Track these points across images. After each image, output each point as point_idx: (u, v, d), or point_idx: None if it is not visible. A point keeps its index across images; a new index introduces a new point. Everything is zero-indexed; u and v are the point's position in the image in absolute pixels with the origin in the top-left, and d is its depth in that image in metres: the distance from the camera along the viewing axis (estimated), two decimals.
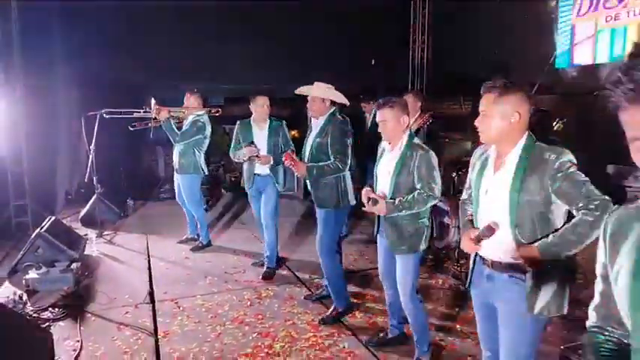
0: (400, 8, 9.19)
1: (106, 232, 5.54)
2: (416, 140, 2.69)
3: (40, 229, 4.42)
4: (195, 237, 5.25)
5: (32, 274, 3.96)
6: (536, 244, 1.75)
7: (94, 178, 5.52)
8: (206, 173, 5.09)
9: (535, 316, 1.81)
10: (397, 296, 2.90)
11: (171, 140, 4.83)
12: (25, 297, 3.77)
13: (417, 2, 9.05)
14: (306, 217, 6.49)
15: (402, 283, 2.73)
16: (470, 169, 2.07)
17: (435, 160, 2.63)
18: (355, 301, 3.69)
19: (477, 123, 1.90)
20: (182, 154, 4.84)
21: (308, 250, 4.94)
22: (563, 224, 1.78)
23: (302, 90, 3.47)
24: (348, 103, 3.48)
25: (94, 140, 5.40)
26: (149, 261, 4.76)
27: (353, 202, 3.42)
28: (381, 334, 3.14)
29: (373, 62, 8.59)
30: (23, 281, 3.94)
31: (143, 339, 3.21)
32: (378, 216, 2.80)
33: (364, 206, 2.74)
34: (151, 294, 3.92)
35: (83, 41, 7.25)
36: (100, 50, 7.29)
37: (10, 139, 6.22)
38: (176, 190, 5.13)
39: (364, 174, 6.24)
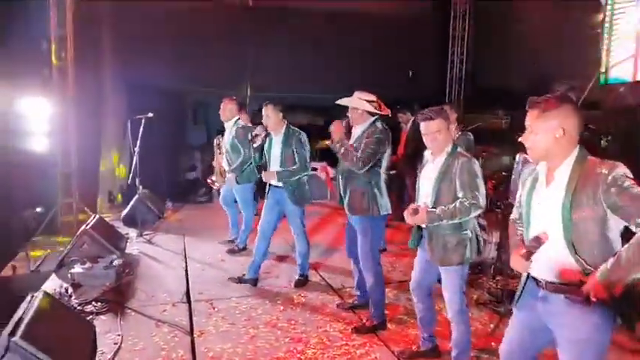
0: (439, 19, 9.16)
1: (145, 232, 5.74)
2: (459, 149, 2.69)
3: (86, 226, 4.62)
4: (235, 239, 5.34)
5: (77, 269, 4.15)
6: (595, 274, 1.66)
7: (137, 180, 5.74)
8: (258, 176, 5.23)
9: (597, 341, 1.75)
10: (427, 310, 2.90)
11: (248, 155, 4.89)
12: (70, 290, 3.96)
13: (456, 13, 9.00)
14: (338, 224, 6.52)
15: (448, 297, 2.71)
16: (520, 187, 2.04)
17: (478, 168, 2.62)
18: (388, 312, 3.67)
19: (522, 139, 1.89)
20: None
21: (340, 258, 4.98)
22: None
23: (342, 101, 3.52)
24: (388, 114, 3.51)
25: (138, 143, 5.62)
26: (186, 262, 4.90)
27: (388, 210, 3.42)
28: (413, 347, 3.13)
29: (410, 74, 8.59)
30: (69, 275, 4.15)
31: (180, 337, 3.31)
32: (419, 227, 2.80)
33: (400, 219, 2.74)
34: (188, 294, 4.03)
35: (130, 47, 7.60)
36: (144, 56, 7.61)
37: (61, 140, 6.55)
38: (222, 194, 5.23)
39: (403, 185, 6.25)
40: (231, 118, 5.07)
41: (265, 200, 4.33)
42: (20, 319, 2.55)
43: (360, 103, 3.38)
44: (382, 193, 3.36)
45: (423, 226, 2.74)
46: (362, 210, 3.33)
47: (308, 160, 4.20)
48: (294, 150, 4.09)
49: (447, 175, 2.64)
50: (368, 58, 8.45)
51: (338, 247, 5.35)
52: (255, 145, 4.27)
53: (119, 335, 3.27)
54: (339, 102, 3.48)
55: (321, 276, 4.55)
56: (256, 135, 4.19)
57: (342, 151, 3.31)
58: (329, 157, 9.47)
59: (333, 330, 3.44)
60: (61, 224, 6.59)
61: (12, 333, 2.40)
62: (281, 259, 5.05)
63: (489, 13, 8.60)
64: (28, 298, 3.01)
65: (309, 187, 4.28)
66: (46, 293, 2.90)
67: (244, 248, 5.20)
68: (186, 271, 4.65)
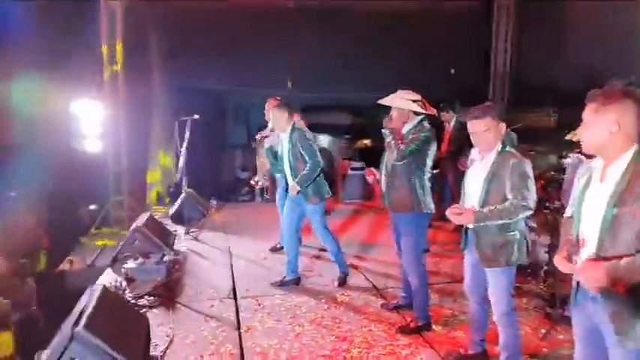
0: (482, 14, 8.92)
1: (191, 230, 5.93)
2: (508, 148, 2.63)
3: (138, 223, 4.82)
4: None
5: (130, 264, 4.35)
6: (605, 263, 1.66)
7: (184, 179, 5.93)
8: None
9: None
10: (482, 312, 2.84)
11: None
12: (124, 284, 4.15)
13: (500, 7, 8.74)
14: (381, 224, 6.50)
15: (495, 299, 2.66)
16: (575, 184, 1.99)
17: (529, 168, 2.55)
18: (432, 313, 3.63)
19: (577, 133, 1.86)
20: None
21: (383, 257, 4.97)
22: None
23: (385, 100, 3.50)
24: (434, 113, 3.48)
25: (185, 143, 5.81)
26: (230, 259, 5.03)
27: (432, 209, 3.38)
28: (461, 350, 3.08)
29: (452, 71, 8.43)
30: (122, 270, 4.35)
31: (227, 332, 3.41)
32: (466, 227, 2.75)
33: (441, 218, 2.71)
34: (234, 290, 4.14)
35: (176, 50, 7.86)
36: (189, 58, 7.84)
37: (113, 140, 6.87)
38: (278, 195, 5.30)
39: (445, 184, 6.16)
40: None
41: (286, 201, 4.37)
42: (82, 311, 2.70)
43: (404, 102, 3.36)
44: (426, 192, 3.33)
45: (470, 226, 2.70)
46: (406, 207, 3.31)
47: (317, 154, 4.10)
48: (300, 146, 4.04)
49: (496, 176, 2.58)
50: (408, 56, 8.34)
51: (381, 247, 5.35)
52: (266, 148, 4.31)
53: (171, 328, 3.41)
54: (382, 102, 3.47)
55: (364, 275, 4.56)
56: (265, 136, 4.24)
57: (389, 138, 3.29)
58: (368, 156, 9.45)
59: (377, 330, 3.44)
60: (112, 221, 6.92)
61: (75, 323, 2.55)
62: (324, 258, 5.07)
63: (534, 6, 8.31)
64: (88, 290, 3.19)
65: (324, 184, 4.21)
66: (104, 287, 3.06)
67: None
68: (232, 268, 4.77)
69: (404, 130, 3.35)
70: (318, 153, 4.12)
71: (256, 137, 4.26)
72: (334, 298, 4.02)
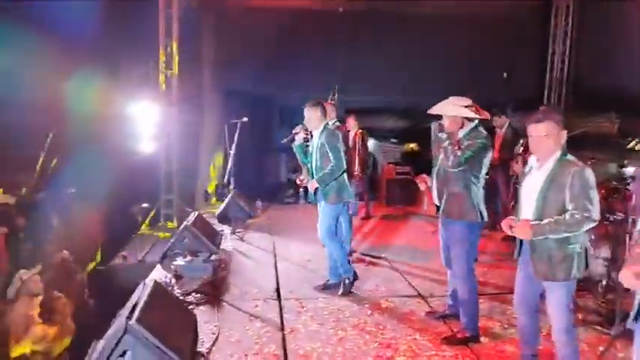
0: (538, 16, 8.58)
1: (237, 230, 6.05)
2: (569, 156, 2.49)
3: (187, 222, 4.97)
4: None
5: (179, 261, 4.49)
6: None
7: (232, 180, 6.07)
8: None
9: None
10: (533, 326, 2.71)
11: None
12: (173, 281, 4.29)
13: (558, 9, 8.36)
14: (427, 231, 6.39)
15: (553, 315, 2.52)
16: None
17: (591, 177, 2.39)
18: (480, 325, 3.51)
19: None
20: None
21: (428, 265, 4.87)
22: None
23: (435, 109, 3.40)
24: (488, 117, 3.37)
25: (234, 145, 5.94)
26: (275, 260, 5.08)
27: (485, 217, 3.26)
28: None
29: (505, 75, 8.14)
30: (172, 266, 4.49)
31: (271, 332, 3.43)
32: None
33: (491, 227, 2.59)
34: (278, 291, 4.17)
35: (226, 54, 8.06)
36: (240, 63, 8.02)
37: (164, 141, 7.13)
38: None
39: (496, 191, 5.95)
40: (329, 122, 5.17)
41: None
42: (135, 305, 2.80)
43: (456, 109, 3.25)
44: (480, 200, 3.22)
45: (526, 239, 2.57)
46: (459, 215, 3.21)
47: (342, 156, 4.04)
48: (327, 146, 3.97)
49: (554, 184, 2.45)
50: (459, 59, 8.15)
51: (426, 253, 5.23)
52: (295, 144, 4.25)
53: (216, 326, 3.47)
54: (433, 110, 3.38)
55: (408, 282, 4.47)
56: (296, 133, 4.19)
57: (446, 142, 3.18)
58: (414, 161, 9.30)
59: (422, 338, 3.36)
60: (163, 219, 7.18)
61: (129, 317, 2.65)
62: (368, 263, 5.04)
63: (595, 7, 7.89)
64: (141, 285, 3.31)
65: (346, 187, 4.13)
66: (156, 282, 3.16)
67: (351, 253, 5.15)
68: (276, 269, 4.82)
69: (459, 136, 3.24)
70: (343, 155, 4.07)
71: (293, 133, 4.19)
72: (378, 303, 3.96)
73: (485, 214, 3.24)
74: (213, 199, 8.22)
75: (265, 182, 8.70)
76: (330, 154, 3.98)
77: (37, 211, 6.97)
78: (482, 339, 3.34)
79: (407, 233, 6.39)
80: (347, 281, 4.14)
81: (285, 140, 4.29)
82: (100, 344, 2.90)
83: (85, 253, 6.03)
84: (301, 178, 5.80)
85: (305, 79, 8.08)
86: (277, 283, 4.38)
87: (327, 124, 4.16)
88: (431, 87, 7.60)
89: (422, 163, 9.15)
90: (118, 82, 6.48)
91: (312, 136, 4.20)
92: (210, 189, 8.41)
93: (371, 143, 10.20)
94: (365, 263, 5.03)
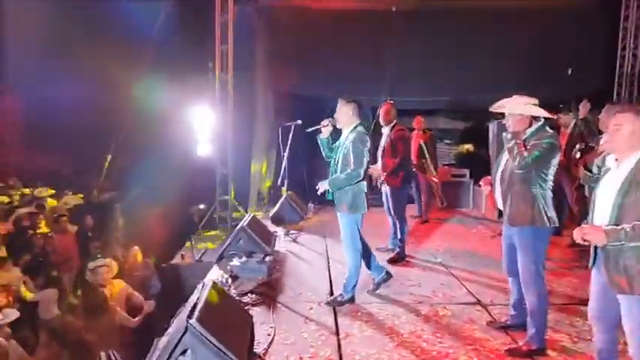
0: (606, 9, 8.02)
1: (291, 232, 6.09)
2: None
3: (243, 223, 5.06)
4: (393, 249, 5.24)
5: (235, 262, 4.57)
6: None
7: (285, 182, 6.12)
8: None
9: None
10: (611, 343, 2.50)
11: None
12: (229, 281, 4.37)
13: (629, 2, 7.78)
14: (485, 235, 6.17)
15: (629, 332, 2.31)
16: None
17: None
18: (547, 337, 3.30)
19: None
20: None
21: (487, 271, 4.67)
22: None
23: (498, 107, 3.24)
24: (554, 117, 3.17)
25: (287, 148, 5.98)
26: (328, 262, 5.06)
27: (555, 222, 3.06)
28: None
29: (570, 71, 7.68)
30: (228, 267, 4.58)
31: (326, 336, 3.41)
32: (595, 245, 2.43)
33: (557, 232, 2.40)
34: (332, 294, 4.14)
35: (278, 58, 8.17)
36: (293, 66, 8.09)
37: (220, 145, 7.33)
38: (384, 200, 5.25)
39: (562, 195, 5.62)
40: (390, 123, 5.10)
41: None
42: (195, 304, 2.87)
43: (524, 108, 3.08)
44: (548, 204, 3.02)
45: (599, 244, 2.38)
46: (525, 220, 3.02)
47: (363, 165, 3.76)
48: (352, 148, 3.74)
49: (634, 186, 2.24)
50: (518, 57, 7.79)
51: (485, 259, 5.04)
52: (321, 137, 4.04)
53: (272, 327, 3.50)
54: (497, 108, 3.22)
55: (467, 289, 4.30)
56: (323, 126, 3.97)
57: (511, 143, 3.01)
58: (470, 163, 8.98)
59: (483, 349, 3.20)
60: (218, 220, 7.38)
61: (189, 316, 2.71)
62: (423, 267, 4.91)
63: None
64: (200, 285, 3.40)
65: (362, 198, 3.84)
66: (214, 283, 3.23)
67: (405, 257, 5.08)
68: (329, 271, 4.80)
69: (524, 136, 3.06)
70: (365, 163, 3.78)
71: (320, 125, 4.00)
72: (435, 310, 3.84)
73: (554, 218, 3.04)
74: (266, 201, 8.35)
75: (318, 184, 8.69)
76: (351, 158, 3.75)
77: (104, 211, 7.41)
78: (549, 352, 3.14)
79: (464, 238, 6.17)
80: (340, 298, 3.92)
81: (310, 130, 4.12)
82: (162, 342, 3.00)
83: (148, 252, 6.32)
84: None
85: (356, 80, 8.02)
86: (331, 286, 4.36)
87: (359, 124, 3.88)
88: (488, 85, 7.32)
89: (478, 164, 8.85)
90: (177, 87, 6.75)
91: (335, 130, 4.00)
92: (264, 190, 8.56)
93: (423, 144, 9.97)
94: (420, 268, 4.90)
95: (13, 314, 4.07)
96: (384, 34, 7.89)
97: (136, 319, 4.85)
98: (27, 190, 8.50)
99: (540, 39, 7.62)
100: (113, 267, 4.99)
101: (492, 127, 7.53)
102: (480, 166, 8.47)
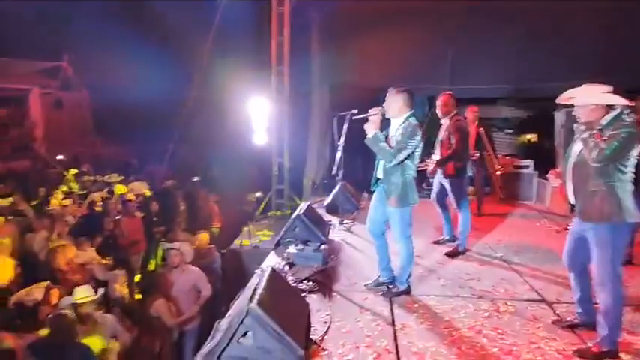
0: None
1: (345, 221, 6.10)
2: None
3: (299, 211, 5.12)
4: (451, 239, 5.16)
5: (291, 249, 4.65)
6: None
7: (340, 172, 6.12)
8: (470, 175, 5.08)
9: None
10: None
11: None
12: (286, 267, 4.45)
13: None
14: (550, 230, 5.87)
15: None
16: None
17: None
18: (620, 340, 3.10)
19: None
20: None
21: (552, 268, 4.45)
22: None
23: (567, 97, 3.03)
24: (633, 104, 2.93)
25: (343, 138, 5.97)
26: None
27: (635, 217, 2.82)
28: None
29: None
30: (284, 254, 4.67)
31: (382, 326, 3.39)
32: None
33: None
34: (387, 285, 4.11)
35: (333, 48, 8.14)
36: (347, 56, 8.04)
37: (277, 135, 7.46)
38: (434, 190, 5.16)
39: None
40: (448, 114, 4.95)
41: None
42: (255, 289, 2.95)
43: (598, 97, 2.86)
44: (628, 197, 2.79)
45: None
46: (601, 216, 2.82)
47: (403, 154, 3.56)
48: (400, 140, 3.57)
49: None
50: (585, 42, 7.25)
51: (551, 255, 4.80)
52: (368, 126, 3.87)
53: (328, 315, 3.53)
54: (566, 100, 3.02)
55: (530, 285, 4.12)
56: (372, 115, 3.78)
57: (586, 134, 2.81)
58: (533, 153, 8.55)
59: (549, 348, 3.06)
60: (274, 208, 7.54)
61: (250, 300, 2.79)
62: (482, 262, 4.75)
63: None
64: (258, 270, 3.50)
65: (412, 189, 3.70)
66: (273, 269, 3.30)
67: (464, 251, 4.96)
68: None
69: (600, 126, 2.84)
70: (404, 154, 3.56)
71: (368, 114, 3.86)
72: (496, 306, 3.71)
73: (633, 212, 2.80)
74: (320, 190, 8.41)
75: (372, 175, 8.63)
76: (397, 146, 3.58)
77: (167, 198, 7.78)
78: (621, 355, 2.95)
79: (526, 232, 5.90)
80: (395, 289, 3.90)
81: (356, 117, 3.99)
82: (223, 324, 3.12)
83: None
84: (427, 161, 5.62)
85: (414, 70, 7.83)
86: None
87: (411, 115, 3.70)
88: (555, 72, 6.89)
89: (541, 155, 8.39)
90: (236, 79, 6.93)
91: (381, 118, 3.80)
92: (317, 180, 8.62)
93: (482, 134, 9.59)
94: (479, 262, 4.75)
95: (100, 290, 4.38)
96: (443, 18, 7.64)
97: (193, 307, 5.01)
98: (98, 177, 9.10)
99: (616, 22, 7.06)
100: (186, 252, 5.17)
101: (559, 116, 7.11)
102: (543, 157, 8.05)
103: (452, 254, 4.89)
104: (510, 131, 10.82)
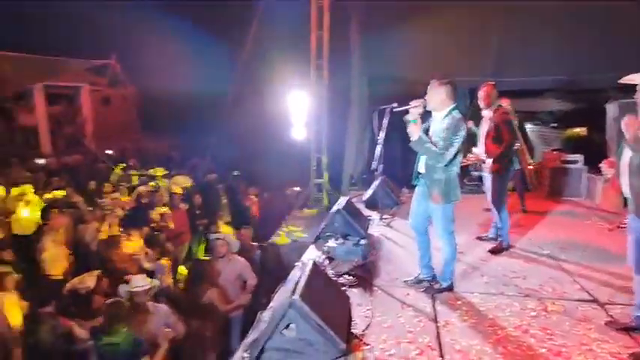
0: None
1: (385, 216, 6.05)
2: None
3: (339, 206, 5.12)
4: (496, 237, 5.00)
5: (331, 243, 4.66)
6: None
7: (380, 167, 6.07)
8: (516, 168, 4.93)
9: None
10: None
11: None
12: (326, 262, 4.47)
13: None
14: (602, 228, 5.61)
15: None
16: None
17: None
18: None
19: None
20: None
21: (605, 267, 4.26)
22: None
23: (629, 79, 2.88)
24: None
25: (383, 132, 5.91)
26: None
27: None
28: None
29: None
30: (324, 248, 4.69)
31: (424, 322, 3.34)
32: None
33: None
34: (430, 281, 4.05)
35: (372, 41, 8.06)
36: (386, 48, 7.94)
37: (316, 129, 7.48)
38: (486, 185, 5.03)
39: None
40: (490, 105, 4.81)
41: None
42: (297, 282, 2.98)
43: None
44: None
45: None
46: None
47: (454, 149, 3.46)
48: (444, 137, 3.45)
49: None
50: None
51: (603, 254, 4.60)
52: (409, 118, 3.71)
53: (369, 310, 3.52)
54: (627, 79, 2.86)
55: (580, 284, 3.95)
56: (413, 107, 3.64)
57: None
58: (580, 147, 8.16)
59: (601, 351, 2.93)
60: (312, 202, 7.58)
61: (292, 292, 2.82)
62: (529, 259, 4.60)
63: None
64: (299, 263, 3.53)
65: (455, 185, 3.60)
66: (314, 262, 3.32)
67: (508, 248, 4.82)
68: None
69: None
70: (452, 152, 3.46)
71: (409, 105, 3.74)
72: (544, 306, 3.58)
73: None
74: (359, 185, 8.38)
75: (412, 169, 8.51)
76: (440, 143, 3.48)
77: (209, 192, 7.98)
78: None
79: (575, 229, 5.65)
80: (438, 286, 3.83)
81: (397, 109, 3.89)
82: (266, 315, 3.18)
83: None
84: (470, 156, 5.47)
85: (456, 61, 7.64)
86: None
87: (454, 108, 3.56)
88: (609, 62, 6.54)
89: (591, 149, 7.99)
90: (277, 73, 7.00)
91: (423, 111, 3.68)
92: (355, 175, 8.59)
93: (526, 128, 9.27)
94: (525, 260, 4.60)
95: (155, 281, 4.49)
96: (487, 7, 7.41)
97: (244, 296, 5.11)
98: (143, 171, 9.45)
99: None
100: (233, 242, 5.28)
101: (611, 108, 6.77)
102: (593, 151, 7.67)
103: (495, 251, 4.76)
104: (555, 124, 10.40)
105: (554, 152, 7.69)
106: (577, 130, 10.57)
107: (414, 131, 3.57)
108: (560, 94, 9.21)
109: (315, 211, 7.35)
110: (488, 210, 6.22)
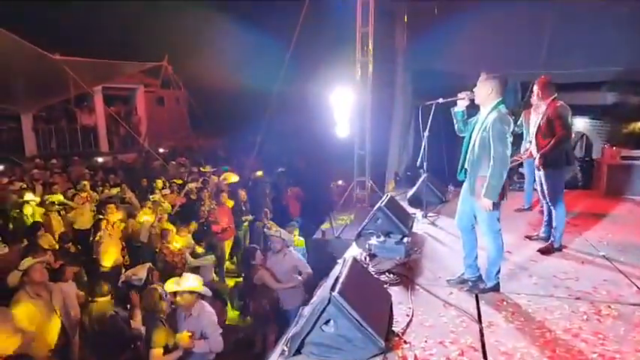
0: None
1: (429, 214, 5.95)
2: None
3: (381, 203, 5.09)
4: (547, 237, 4.80)
5: (373, 241, 4.64)
6: None
7: (424, 164, 5.97)
8: (574, 165, 4.70)
9: None
10: None
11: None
12: (367, 259, 4.46)
13: None
14: None
15: None
16: None
17: None
18: None
19: None
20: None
21: None
22: None
23: None
24: None
25: (428, 128, 5.81)
26: None
27: None
28: None
29: None
30: (366, 245, 4.67)
31: (467, 323, 3.27)
32: None
33: None
34: (474, 281, 3.95)
35: (417, 36, 7.93)
36: (428, 43, 7.79)
37: (359, 126, 7.45)
38: (538, 182, 4.83)
39: None
40: (546, 98, 4.60)
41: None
42: (337, 278, 3.00)
43: None
44: None
45: None
46: None
47: (507, 148, 3.34)
48: (492, 132, 3.33)
49: None
50: None
51: None
52: (456, 110, 3.68)
53: (410, 308, 3.48)
54: None
55: (638, 288, 3.72)
56: (460, 99, 3.58)
57: None
58: None
59: None
60: (355, 199, 7.57)
61: (332, 289, 2.84)
62: (582, 260, 4.38)
63: None
64: (341, 260, 3.54)
65: (506, 182, 3.44)
66: (355, 259, 3.33)
67: (560, 248, 4.61)
68: None
69: None
70: (509, 145, 3.35)
71: (456, 98, 3.65)
72: (597, 309, 3.40)
73: None
74: (401, 183, 8.28)
75: (457, 166, 8.31)
76: (492, 146, 3.35)
77: (254, 188, 8.16)
78: None
79: (635, 230, 5.31)
80: (482, 285, 3.72)
81: (443, 101, 3.83)
82: (306, 311, 3.22)
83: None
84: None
85: (506, 52, 7.37)
86: None
87: (500, 103, 3.45)
88: None
89: None
90: (319, 72, 7.04)
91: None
92: (400, 172, 8.50)
93: (582, 123, 8.80)
94: (577, 261, 4.38)
95: (206, 289, 4.21)
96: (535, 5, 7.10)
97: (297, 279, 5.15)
98: (194, 169, 9.80)
99: None
100: (287, 237, 5.34)
101: None
102: None
103: (545, 251, 4.56)
104: (614, 119, 9.79)
105: (614, 148, 7.24)
106: (638, 124, 9.91)
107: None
108: (617, 86, 8.67)
109: (358, 208, 7.33)
110: (521, 210, 5.99)
